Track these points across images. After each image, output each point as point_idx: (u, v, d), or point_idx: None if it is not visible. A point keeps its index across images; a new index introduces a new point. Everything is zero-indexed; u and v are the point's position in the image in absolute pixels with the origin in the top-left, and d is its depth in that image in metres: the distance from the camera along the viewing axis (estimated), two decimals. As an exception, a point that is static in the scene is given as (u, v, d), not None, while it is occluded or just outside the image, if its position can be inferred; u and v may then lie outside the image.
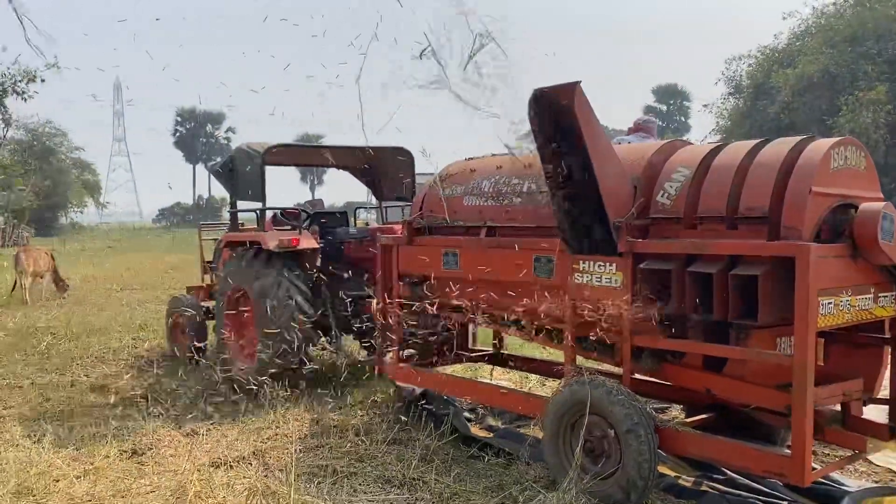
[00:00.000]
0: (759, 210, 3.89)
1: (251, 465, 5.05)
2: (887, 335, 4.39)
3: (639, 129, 6.72)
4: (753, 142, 4.26)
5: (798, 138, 4.11)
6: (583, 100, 4.23)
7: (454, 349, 6.61)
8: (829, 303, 3.77)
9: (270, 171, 7.45)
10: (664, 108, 71.75)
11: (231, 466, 5.02)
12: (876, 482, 4.74)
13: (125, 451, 5.40)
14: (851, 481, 4.73)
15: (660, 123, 66.57)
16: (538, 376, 6.98)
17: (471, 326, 6.66)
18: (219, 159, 8.27)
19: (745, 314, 3.88)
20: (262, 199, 7.28)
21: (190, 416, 6.35)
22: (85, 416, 6.41)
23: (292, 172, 74.76)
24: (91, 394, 7.22)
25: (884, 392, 4.44)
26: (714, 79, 38.76)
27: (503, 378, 7.50)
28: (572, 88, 4.20)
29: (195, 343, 8.29)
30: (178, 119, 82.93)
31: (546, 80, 4.35)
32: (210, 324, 8.37)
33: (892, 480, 4.85)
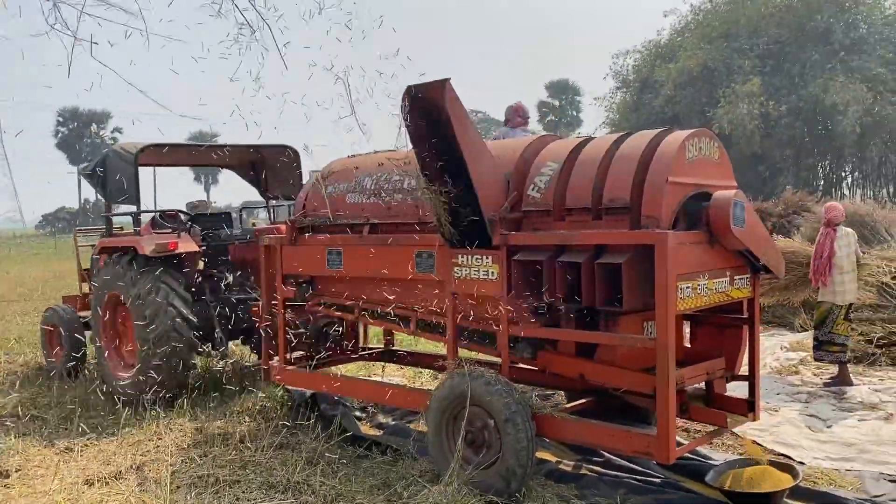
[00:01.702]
0: (620, 201, 4.05)
1: (128, 480, 4.84)
2: (745, 315, 4.67)
3: (518, 122, 6.86)
4: (616, 135, 4.43)
5: (656, 131, 4.31)
6: (453, 96, 4.28)
7: (343, 348, 6.57)
8: (688, 287, 3.97)
9: (162, 172, 7.18)
10: (557, 102, 73.29)
11: (106, 483, 4.80)
12: (741, 454, 5.03)
13: (-11, 475, 5.07)
14: (718, 455, 5.01)
15: (553, 118, 67.84)
16: (430, 371, 7.02)
17: (360, 325, 6.63)
18: (90, 162, 7.82)
19: (612, 301, 4.03)
20: (137, 202, 6.98)
21: (65, 432, 6.04)
22: (-54, 440, 5.97)
23: (186, 173, 72.06)
24: (-46, 415, 6.73)
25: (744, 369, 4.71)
26: (603, 73, 40.09)
27: (397, 374, 7.52)
28: (442, 85, 4.23)
29: (72, 355, 7.88)
30: (60, 119, 78.08)
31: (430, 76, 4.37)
32: (88, 334, 7.96)
33: (755, 451, 5.15)
